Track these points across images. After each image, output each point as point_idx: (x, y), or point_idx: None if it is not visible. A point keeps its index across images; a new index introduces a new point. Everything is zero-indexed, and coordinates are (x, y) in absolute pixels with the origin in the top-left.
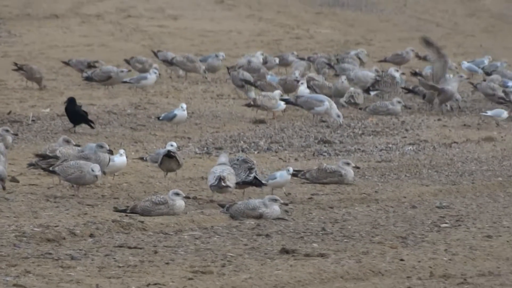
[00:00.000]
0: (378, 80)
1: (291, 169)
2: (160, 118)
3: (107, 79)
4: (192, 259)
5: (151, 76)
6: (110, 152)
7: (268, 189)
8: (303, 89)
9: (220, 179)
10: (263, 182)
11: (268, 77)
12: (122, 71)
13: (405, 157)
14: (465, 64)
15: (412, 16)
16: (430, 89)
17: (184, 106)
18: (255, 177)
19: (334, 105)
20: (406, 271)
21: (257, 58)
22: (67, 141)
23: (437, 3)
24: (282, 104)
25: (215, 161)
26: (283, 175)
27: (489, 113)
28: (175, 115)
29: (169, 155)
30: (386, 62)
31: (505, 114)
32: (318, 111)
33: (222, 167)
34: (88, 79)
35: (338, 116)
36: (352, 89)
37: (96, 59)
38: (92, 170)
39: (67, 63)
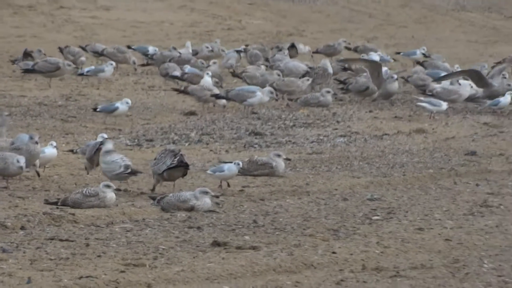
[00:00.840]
0: (309, 72)
1: (240, 163)
2: (98, 110)
3: (55, 70)
4: (124, 252)
5: (108, 68)
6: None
7: (198, 181)
8: (207, 79)
9: (128, 167)
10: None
11: (188, 68)
12: (69, 65)
13: (336, 149)
14: (374, 55)
15: (345, 7)
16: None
17: (130, 101)
18: (180, 160)
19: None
20: (338, 263)
21: (187, 48)
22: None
23: None
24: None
25: (146, 153)
26: (231, 168)
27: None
28: (116, 108)
29: None
30: (318, 53)
31: (444, 106)
32: (251, 102)
33: (119, 155)
34: (29, 71)
35: (271, 92)
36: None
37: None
38: (18, 161)
39: (14, 62)
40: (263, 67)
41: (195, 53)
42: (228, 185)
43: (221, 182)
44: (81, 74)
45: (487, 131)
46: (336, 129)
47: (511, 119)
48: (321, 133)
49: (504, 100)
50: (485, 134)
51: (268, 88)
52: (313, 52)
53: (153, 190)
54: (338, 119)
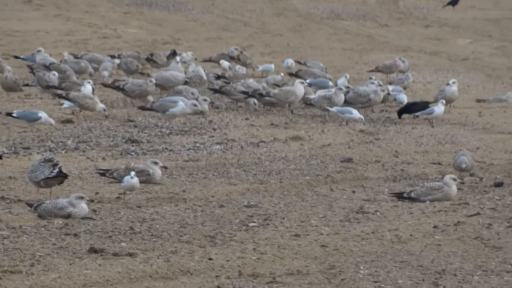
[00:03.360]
0: (187, 82)
1: (133, 173)
2: (15, 115)
3: None
4: (0, 259)
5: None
6: None
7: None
8: (88, 87)
9: None
10: (67, 173)
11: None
12: None
13: (212, 156)
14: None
15: (220, 15)
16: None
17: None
18: (59, 171)
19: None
20: (215, 270)
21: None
22: None
23: (245, 2)
24: (101, 105)
25: (23, 161)
26: (128, 180)
27: (335, 109)
28: (39, 118)
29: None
30: (211, 61)
31: (356, 114)
32: (173, 112)
33: None
34: None
35: (195, 105)
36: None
37: None
38: None
39: None
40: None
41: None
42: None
43: (124, 192)
44: (59, 97)
45: (363, 138)
46: (213, 136)
47: (387, 126)
48: (197, 140)
49: (438, 109)
50: (361, 141)
51: (192, 101)
52: (205, 60)
53: None
54: (214, 127)
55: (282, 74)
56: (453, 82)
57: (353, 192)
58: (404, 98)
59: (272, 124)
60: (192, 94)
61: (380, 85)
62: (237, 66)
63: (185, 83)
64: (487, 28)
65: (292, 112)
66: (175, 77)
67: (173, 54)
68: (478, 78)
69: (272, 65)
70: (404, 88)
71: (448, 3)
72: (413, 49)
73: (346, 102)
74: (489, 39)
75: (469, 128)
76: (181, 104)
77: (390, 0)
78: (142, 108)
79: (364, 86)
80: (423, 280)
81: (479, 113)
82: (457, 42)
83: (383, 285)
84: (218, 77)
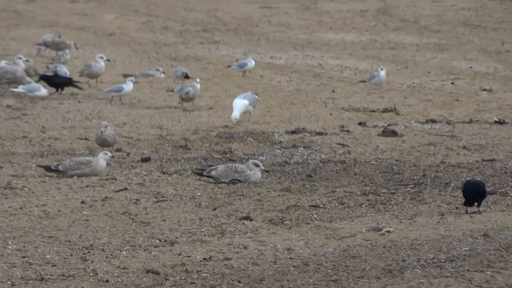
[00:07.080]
0: None
1: None
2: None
3: None
4: None
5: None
6: None
7: None
8: None
9: None
10: None
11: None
12: None
13: None
14: None
15: None
16: None
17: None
18: None
19: None
20: None
21: None
22: None
23: None
24: None
25: None
26: None
27: (21, 88)
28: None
29: None
30: None
31: (43, 91)
32: None
33: None
34: None
35: None
36: None
37: None
38: None
39: None
40: None
41: None
42: None
43: None
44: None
45: (10, 113)
46: None
47: (34, 102)
48: None
49: (127, 87)
50: (8, 116)
51: None
52: None
53: None
54: None
55: None
56: (100, 58)
57: (1, 167)
58: (65, 71)
59: None
60: None
61: (28, 61)
62: None
63: None
64: (133, 3)
65: None
66: None
67: None
68: (124, 53)
69: None
70: (64, 63)
71: None
72: (60, 24)
73: None
74: (135, 14)
75: (116, 103)
76: None
77: None
78: None
79: (11, 64)
80: (71, 255)
81: None
82: (104, 17)
83: (31, 260)
84: None
